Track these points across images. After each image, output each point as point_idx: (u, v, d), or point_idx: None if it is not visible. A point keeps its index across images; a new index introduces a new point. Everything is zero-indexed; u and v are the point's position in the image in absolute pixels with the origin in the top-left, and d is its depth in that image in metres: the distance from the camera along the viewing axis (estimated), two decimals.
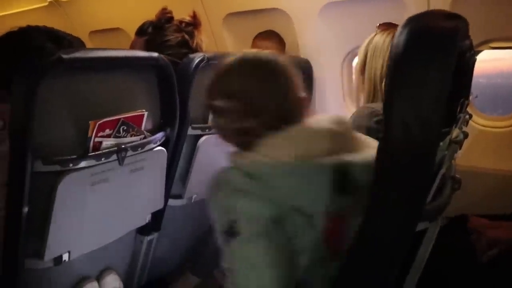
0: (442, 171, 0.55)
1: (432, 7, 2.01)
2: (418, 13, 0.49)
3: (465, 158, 2.23)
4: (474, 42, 2.04)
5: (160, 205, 1.36)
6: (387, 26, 1.52)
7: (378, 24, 1.55)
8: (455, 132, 1.10)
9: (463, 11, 1.97)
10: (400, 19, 1.88)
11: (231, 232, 0.74)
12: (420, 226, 0.51)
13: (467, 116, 1.72)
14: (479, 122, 2.25)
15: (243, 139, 0.79)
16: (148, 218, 1.35)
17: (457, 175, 0.70)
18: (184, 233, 1.65)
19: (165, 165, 1.30)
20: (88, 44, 3.51)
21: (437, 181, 0.54)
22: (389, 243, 0.48)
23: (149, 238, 1.47)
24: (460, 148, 1.21)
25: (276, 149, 0.72)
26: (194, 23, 1.74)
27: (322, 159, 0.67)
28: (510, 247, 1.40)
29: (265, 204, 0.69)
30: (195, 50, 1.64)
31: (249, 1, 2.36)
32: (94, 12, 3.37)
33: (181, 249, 1.68)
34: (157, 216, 1.44)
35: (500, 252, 1.46)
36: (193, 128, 1.41)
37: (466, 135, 1.22)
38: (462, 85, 1.28)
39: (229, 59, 0.84)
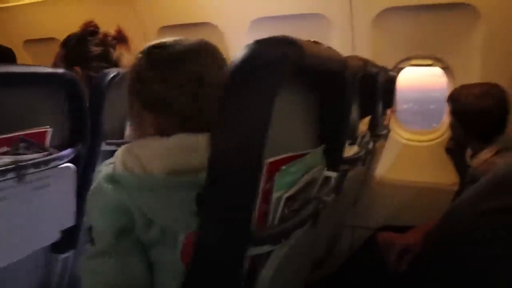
0: (286, 195, 0.58)
1: (355, 26, 2.11)
2: (254, 41, 0.52)
3: (391, 171, 2.35)
4: (396, 60, 2.19)
5: (70, 222, 1.34)
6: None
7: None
8: (352, 150, 1.17)
9: (383, 30, 2.10)
10: (324, 36, 1.98)
11: (89, 235, 0.75)
12: (260, 250, 0.54)
13: (385, 131, 1.82)
14: (404, 136, 2.36)
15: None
16: (58, 235, 1.33)
17: (325, 197, 0.73)
18: None
19: (74, 182, 1.28)
20: (23, 54, 3.42)
21: (281, 204, 0.57)
22: (221, 266, 0.51)
23: (64, 256, 1.44)
24: (363, 164, 1.28)
25: (151, 157, 0.68)
26: (118, 37, 1.74)
27: (193, 176, 0.64)
28: (420, 249, 1.49)
29: (118, 216, 0.70)
30: (115, 64, 1.64)
31: (183, 15, 2.39)
32: (28, 20, 3.28)
33: None
34: (72, 233, 1.42)
35: (414, 256, 1.55)
36: (108, 144, 1.41)
37: (368, 152, 1.28)
38: (367, 104, 1.35)
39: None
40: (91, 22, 1.77)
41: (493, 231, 1.07)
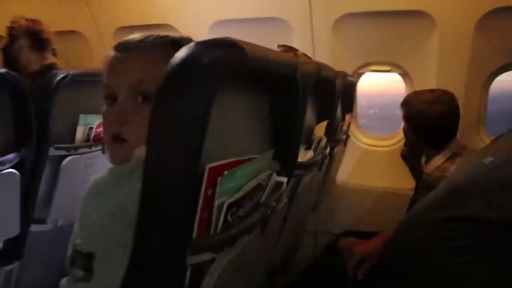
0: (228, 201, 0.57)
1: (315, 31, 2.14)
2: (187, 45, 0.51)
3: (352, 176, 2.38)
4: (356, 65, 2.23)
5: (15, 231, 1.28)
6: (288, 48, 1.59)
7: (278, 45, 1.62)
8: (308, 154, 1.17)
9: (342, 35, 2.14)
10: (286, 41, 1.99)
11: (81, 263, 0.60)
12: (201, 258, 0.53)
13: (344, 136, 1.84)
14: (364, 141, 2.41)
15: None
16: (0, 246, 1.27)
17: (274, 203, 0.73)
18: (53, 261, 1.56)
19: (18, 188, 1.23)
20: None
21: (223, 210, 0.56)
22: (161, 276, 0.49)
23: (8, 267, 1.37)
24: (319, 169, 1.29)
25: None
26: (47, 37, 1.69)
27: None
28: (378, 258, 1.50)
29: None
30: (49, 66, 1.60)
31: (140, 16, 2.36)
32: None
33: (50, 278, 1.59)
34: (17, 243, 1.36)
35: (372, 266, 1.57)
36: (56, 149, 1.36)
37: (325, 156, 1.29)
38: (324, 109, 1.36)
39: None
40: (15, 21, 1.70)
41: (458, 239, 1.09)
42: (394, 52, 2.16)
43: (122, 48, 0.74)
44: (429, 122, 1.70)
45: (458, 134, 1.74)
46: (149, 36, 0.74)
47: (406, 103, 1.80)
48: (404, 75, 2.25)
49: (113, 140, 0.71)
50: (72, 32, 2.63)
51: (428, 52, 2.10)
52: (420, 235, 1.23)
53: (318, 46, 2.17)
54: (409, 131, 1.81)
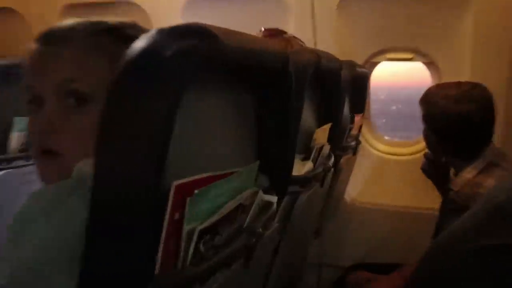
0: (200, 227, 0.58)
1: (316, 12, 2.16)
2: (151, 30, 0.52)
3: (366, 193, 2.40)
4: (368, 53, 2.25)
5: None
6: (274, 32, 1.60)
7: (262, 28, 1.62)
8: (306, 166, 1.19)
9: (351, 17, 2.16)
10: (281, 23, 2.01)
11: None
12: None
13: (353, 143, 1.87)
14: (379, 148, 2.43)
15: None
16: None
17: (260, 229, 0.74)
18: None
19: None
20: None
21: (194, 239, 0.58)
22: None
23: None
24: (321, 185, 1.31)
25: None
26: None
27: None
28: None
29: None
30: None
31: None
32: None
33: None
34: None
35: None
36: None
37: (328, 168, 1.31)
38: (327, 108, 1.38)
39: None
40: None
41: (504, 275, 1.11)
42: (417, 36, 2.20)
43: (47, 39, 0.73)
44: (455, 124, 1.68)
45: (495, 140, 1.75)
46: (81, 24, 0.74)
47: (426, 100, 1.78)
48: (430, 64, 2.28)
49: (42, 154, 0.70)
50: (4, 9, 2.64)
51: (461, 36, 2.14)
52: (452, 269, 1.24)
53: (321, 30, 2.19)
54: (430, 136, 1.79)
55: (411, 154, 2.44)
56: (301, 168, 1.16)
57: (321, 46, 2.05)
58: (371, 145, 2.43)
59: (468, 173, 1.66)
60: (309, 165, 1.19)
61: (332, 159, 1.41)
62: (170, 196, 0.54)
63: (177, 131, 0.53)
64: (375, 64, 2.36)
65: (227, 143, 0.78)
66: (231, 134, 0.79)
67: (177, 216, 0.56)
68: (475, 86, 1.73)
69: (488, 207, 1.24)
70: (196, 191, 0.58)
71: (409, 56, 2.25)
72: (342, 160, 1.67)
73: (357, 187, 2.37)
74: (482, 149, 1.68)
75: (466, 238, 1.24)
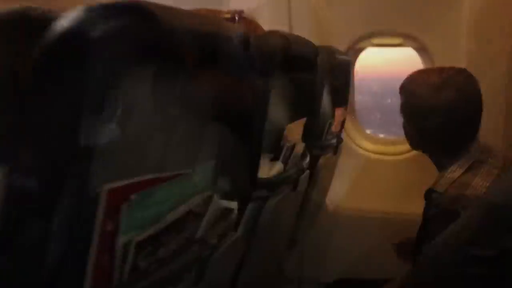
0: (138, 238, 0.57)
1: None
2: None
3: (350, 198, 2.41)
4: (351, 38, 2.26)
5: None
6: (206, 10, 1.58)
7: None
8: (275, 167, 1.18)
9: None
10: (250, 2, 2.00)
11: None
12: None
13: (334, 140, 1.87)
14: (365, 146, 2.44)
15: None
16: None
17: (213, 240, 0.74)
18: None
19: None
20: None
21: (131, 253, 0.57)
22: None
23: None
24: (294, 188, 1.30)
25: None
26: None
27: None
28: None
29: None
30: None
31: None
32: None
33: None
34: None
35: None
36: None
37: (302, 169, 1.31)
38: (301, 101, 1.38)
39: None
40: None
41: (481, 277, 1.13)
42: (406, 19, 2.21)
43: None
44: (435, 115, 1.66)
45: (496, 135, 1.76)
46: None
47: (404, 88, 1.77)
48: (422, 50, 2.30)
49: None
50: None
51: (454, 18, 2.15)
52: (448, 282, 1.25)
53: (297, 12, 2.19)
54: (410, 129, 1.79)
55: (402, 153, 2.44)
56: (269, 170, 1.16)
57: (297, 31, 2.04)
58: (356, 143, 2.44)
59: (453, 173, 1.64)
60: (278, 166, 1.19)
61: (308, 159, 1.41)
62: (101, 202, 0.53)
63: (110, 125, 0.52)
64: (359, 50, 2.37)
65: (177, 140, 0.77)
66: (183, 129, 0.78)
67: (109, 226, 0.55)
68: (459, 72, 1.72)
69: (483, 212, 1.25)
70: (133, 196, 0.57)
71: (398, 41, 2.27)
72: (320, 161, 1.67)
73: (340, 192, 2.37)
74: (467, 144, 1.67)
75: (461, 247, 1.25)
